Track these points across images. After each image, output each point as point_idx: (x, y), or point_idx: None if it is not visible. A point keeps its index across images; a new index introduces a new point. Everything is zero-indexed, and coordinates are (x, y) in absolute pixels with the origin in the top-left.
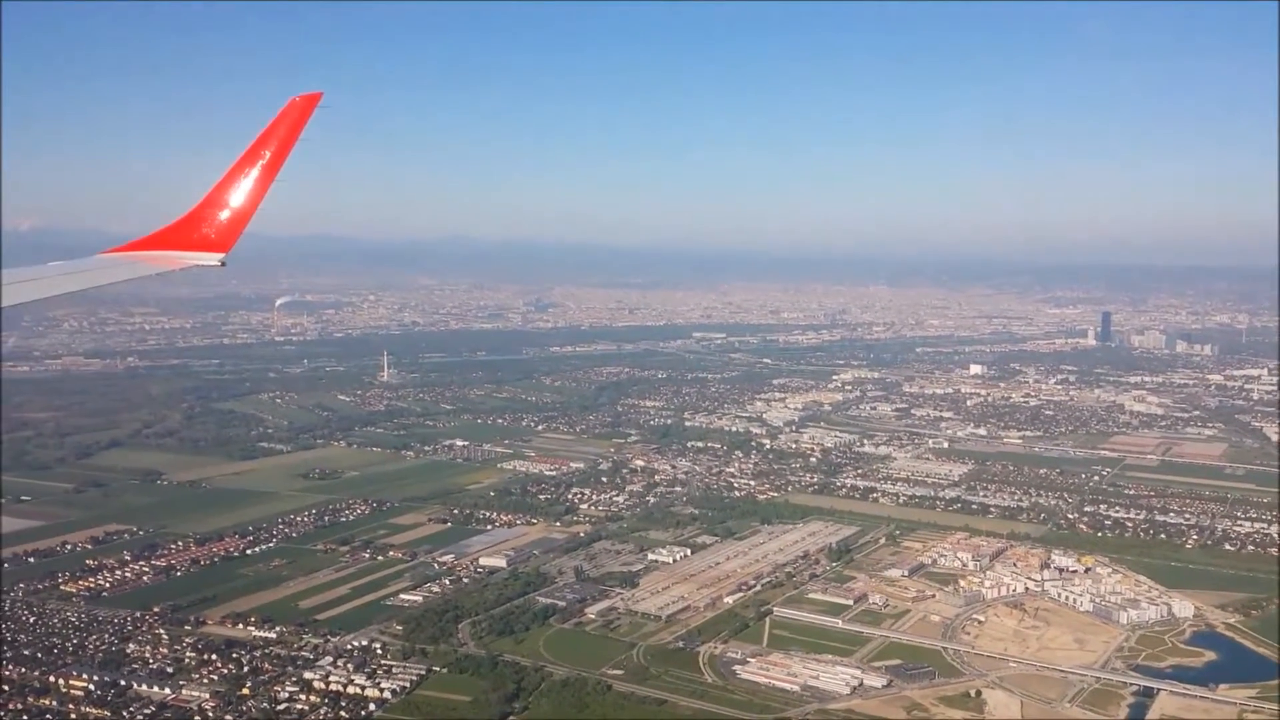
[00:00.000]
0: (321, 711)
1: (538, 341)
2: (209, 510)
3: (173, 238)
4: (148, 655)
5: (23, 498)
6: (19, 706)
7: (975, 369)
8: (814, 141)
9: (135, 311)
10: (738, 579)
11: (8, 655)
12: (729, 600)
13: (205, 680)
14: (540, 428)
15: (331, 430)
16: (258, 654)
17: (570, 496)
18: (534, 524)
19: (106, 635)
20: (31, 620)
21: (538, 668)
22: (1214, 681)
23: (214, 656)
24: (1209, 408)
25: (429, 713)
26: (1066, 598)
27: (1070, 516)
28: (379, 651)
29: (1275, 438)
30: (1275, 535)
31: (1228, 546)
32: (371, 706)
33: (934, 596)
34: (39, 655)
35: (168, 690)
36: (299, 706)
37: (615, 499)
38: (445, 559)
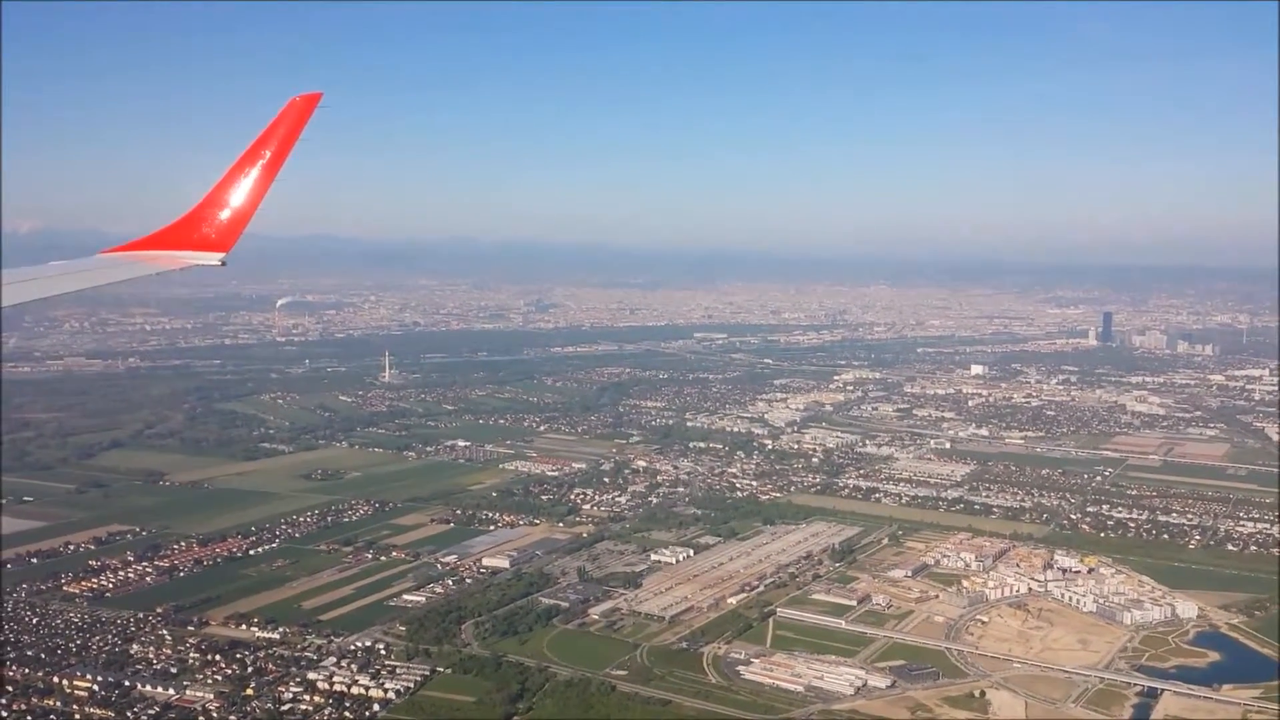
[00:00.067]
0: (326, 712)
1: (539, 342)
2: (211, 511)
3: (173, 238)
4: (151, 656)
5: (25, 498)
6: (23, 707)
7: (976, 369)
8: (814, 141)
9: (136, 312)
10: (741, 579)
11: (11, 656)
12: (732, 601)
13: (209, 681)
14: (542, 428)
15: (333, 431)
16: (261, 655)
17: (573, 497)
18: (536, 524)
19: (110, 636)
20: (35, 621)
21: (542, 668)
22: (1218, 682)
23: (218, 657)
24: (1210, 408)
25: (433, 713)
26: (1070, 598)
27: (1073, 517)
28: (382, 652)
29: (1277, 438)
30: (1278, 535)
31: (1230, 547)
32: (376, 707)
33: (937, 597)
34: (43, 656)
35: (172, 691)
36: (303, 707)
37: (618, 499)
38: (448, 559)
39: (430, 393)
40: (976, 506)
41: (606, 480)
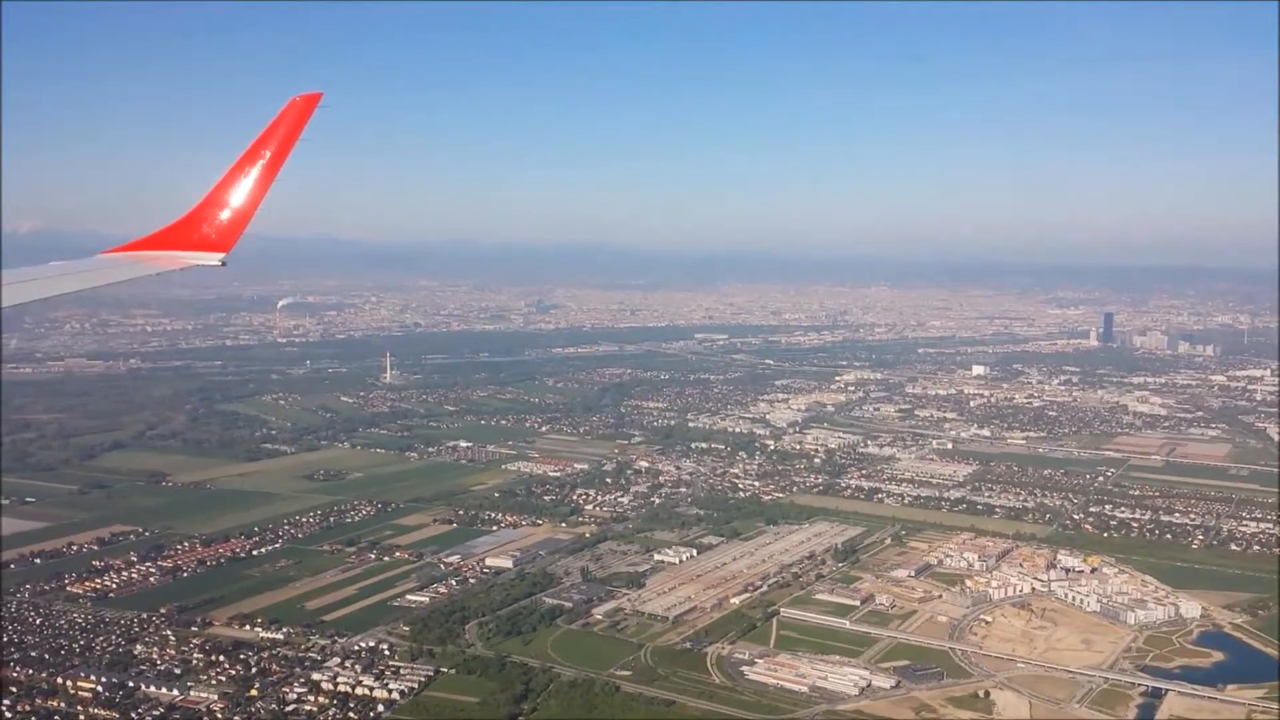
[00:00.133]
0: (330, 713)
1: (540, 343)
2: (214, 511)
3: (173, 238)
4: (155, 656)
5: (27, 499)
6: (27, 708)
7: (978, 370)
8: (814, 141)
9: (137, 313)
10: (744, 580)
11: (15, 657)
12: (735, 601)
13: (213, 681)
14: (544, 429)
15: (335, 431)
16: (265, 655)
17: (575, 497)
18: (539, 525)
19: (114, 636)
20: (38, 621)
21: (546, 668)
22: (1222, 682)
23: (221, 658)
24: (1212, 408)
25: (438, 714)
26: (1073, 598)
27: (1075, 517)
28: (386, 652)
29: (1278, 438)
30: None
31: (1233, 547)
32: (380, 708)
33: (941, 597)
34: (46, 656)
35: (176, 691)
36: (308, 708)
37: (620, 500)
38: (451, 560)
39: (432, 393)
40: (979, 507)
41: (609, 481)
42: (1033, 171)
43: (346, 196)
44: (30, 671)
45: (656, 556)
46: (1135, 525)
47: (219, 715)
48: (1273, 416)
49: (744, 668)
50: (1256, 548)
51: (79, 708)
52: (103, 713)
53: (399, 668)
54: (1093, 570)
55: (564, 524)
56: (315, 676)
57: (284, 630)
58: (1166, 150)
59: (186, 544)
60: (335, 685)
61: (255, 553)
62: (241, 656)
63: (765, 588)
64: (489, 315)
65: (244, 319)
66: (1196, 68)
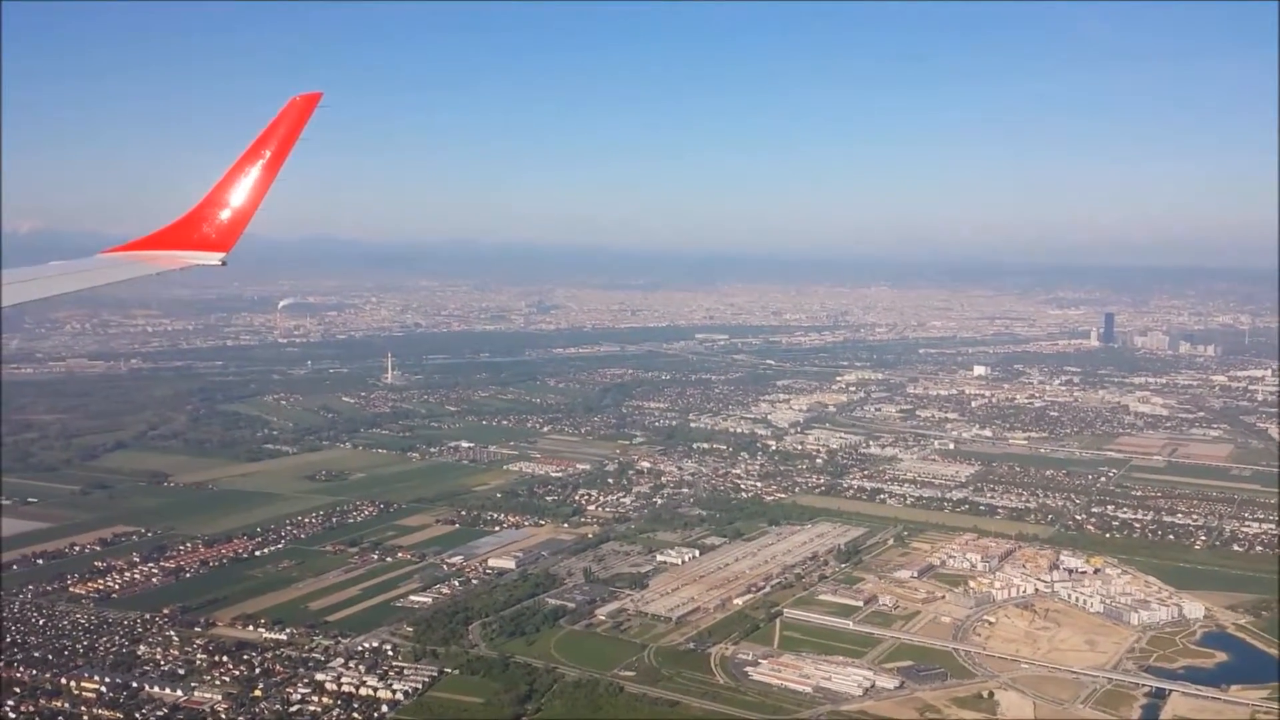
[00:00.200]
0: (334, 713)
1: (540, 343)
2: (216, 512)
3: (173, 238)
4: (159, 657)
5: (29, 500)
6: (31, 709)
7: (979, 370)
8: (814, 141)
9: (137, 313)
10: (747, 580)
11: (19, 657)
12: (739, 602)
13: (217, 682)
14: (545, 429)
15: (337, 432)
16: (269, 656)
17: (577, 498)
18: (542, 525)
19: (117, 637)
20: (41, 622)
21: (549, 669)
22: (1226, 682)
23: (225, 658)
24: (1213, 409)
25: (442, 714)
26: (1076, 599)
27: (1078, 517)
28: (390, 653)
29: (1279, 439)
30: None
31: (1236, 547)
32: (384, 708)
33: (944, 598)
34: (50, 657)
35: (179, 692)
36: (311, 708)
37: (622, 500)
38: (454, 560)
39: (433, 394)
40: (981, 507)
41: (611, 481)
42: (1032, 171)
43: (347, 196)
44: (34, 672)
45: (659, 557)
46: (1138, 526)
47: (223, 716)
48: (1274, 417)
49: (748, 668)
50: (1259, 548)
51: (83, 708)
52: (107, 713)
53: (402, 668)
54: (1096, 571)
55: (566, 524)
56: (319, 677)
57: (287, 631)
58: (1166, 150)
59: (189, 544)
60: (339, 686)
61: (258, 553)
62: (245, 657)
63: (768, 588)
64: (490, 315)
65: (245, 319)
66: (1196, 68)
